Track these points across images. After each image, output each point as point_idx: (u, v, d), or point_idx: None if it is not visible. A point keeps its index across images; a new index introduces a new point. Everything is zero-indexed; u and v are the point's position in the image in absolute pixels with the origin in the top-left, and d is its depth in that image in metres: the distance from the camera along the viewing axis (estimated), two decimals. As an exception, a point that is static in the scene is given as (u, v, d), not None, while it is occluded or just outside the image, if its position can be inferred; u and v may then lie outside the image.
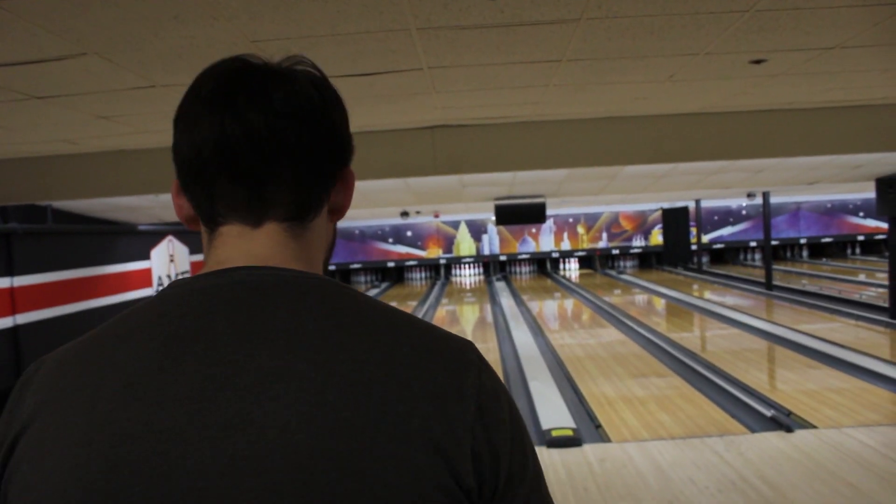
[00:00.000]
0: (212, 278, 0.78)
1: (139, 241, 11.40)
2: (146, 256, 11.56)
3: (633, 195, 14.21)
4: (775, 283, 15.84)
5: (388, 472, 0.67)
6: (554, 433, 5.77)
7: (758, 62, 3.58)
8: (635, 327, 11.52)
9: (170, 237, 12.38)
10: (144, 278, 11.42)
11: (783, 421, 5.91)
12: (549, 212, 13.82)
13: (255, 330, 0.73)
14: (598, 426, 6.20)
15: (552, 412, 6.51)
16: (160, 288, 0.62)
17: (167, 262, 12.28)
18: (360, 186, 8.96)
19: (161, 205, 9.41)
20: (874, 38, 3.20)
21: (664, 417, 6.39)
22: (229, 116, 0.78)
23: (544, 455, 5.44)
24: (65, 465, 0.69)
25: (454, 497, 0.69)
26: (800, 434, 5.58)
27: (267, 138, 0.78)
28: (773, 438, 5.52)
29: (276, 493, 0.66)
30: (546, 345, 10.44)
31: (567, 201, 14.62)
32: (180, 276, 0.82)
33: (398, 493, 0.67)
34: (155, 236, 11.90)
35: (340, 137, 0.85)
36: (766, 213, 15.58)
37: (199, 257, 13.42)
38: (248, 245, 0.81)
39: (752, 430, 5.87)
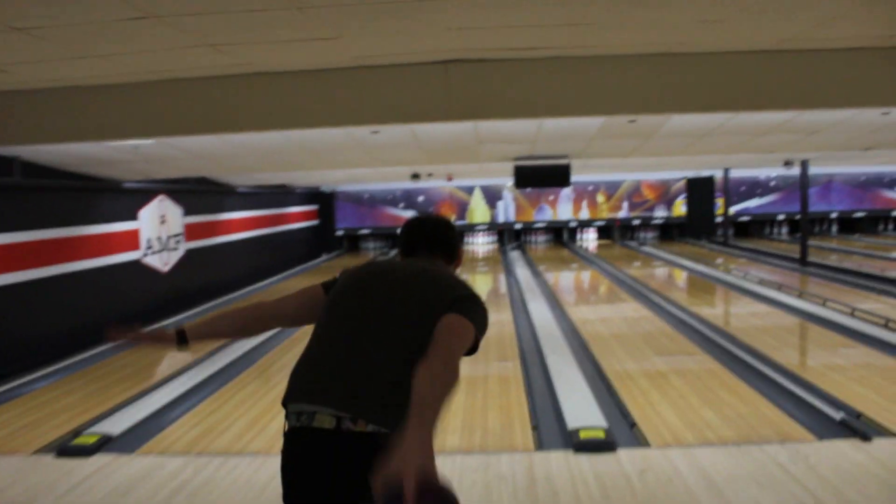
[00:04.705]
0: (413, 259, 2.61)
1: (124, 199, 10.51)
2: (133, 216, 10.68)
3: (662, 158, 13.18)
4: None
5: (435, 298, 2.27)
6: (582, 434, 4.87)
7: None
8: (661, 303, 10.59)
9: (161, 196, 11.48)
10: (131, 240, 10.56)
11: (856, 426, 4.95)
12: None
13: (413, 271, 2.44)
14: (633, 425, 5.26)
15: (578, 407, 5.58)
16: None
17: (158, 223, 11.39)
18: (363, 140, 7.98)
19: (143, 158, 8.44)
20: None
21: (709, 415, 5.46)
22: (424, 229, 2.66)
23: (571, 461, 4.54)
24: (348, 279, 2.45)
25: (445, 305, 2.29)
26: (879, 444, 4.64)
27: (435, 237, 2.64)
28: (848, 448, 4.57)
29: (407, 294, 2.32)
30: (566, 321, 9.51)
31: (589, 165, 13.60)
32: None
33: (437, 303, 2.25)
34: (144, 195, 11.00)
35: (457, 242, 2.69)
36: (803, 184, 14.54)
37: (192, 219, 12.54)
38: (426, 258, 2.61)
39: (818, 435, 4.91)
